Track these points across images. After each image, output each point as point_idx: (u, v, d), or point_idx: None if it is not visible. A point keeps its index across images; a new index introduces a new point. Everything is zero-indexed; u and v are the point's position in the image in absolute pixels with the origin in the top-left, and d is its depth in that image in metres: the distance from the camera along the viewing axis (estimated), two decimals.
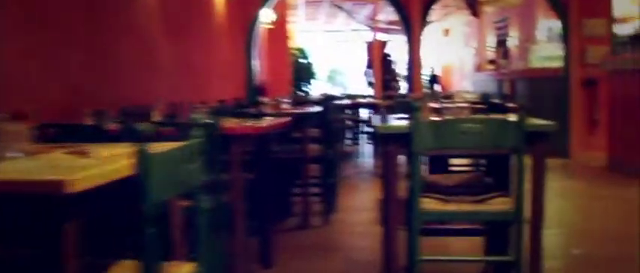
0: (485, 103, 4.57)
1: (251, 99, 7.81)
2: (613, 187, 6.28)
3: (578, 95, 8.42)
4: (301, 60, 17.71)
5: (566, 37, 8.55)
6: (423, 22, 8.96)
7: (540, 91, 9.19)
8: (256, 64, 8.71)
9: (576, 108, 8.43)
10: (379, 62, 11.54)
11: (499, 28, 15.00)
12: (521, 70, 9.69)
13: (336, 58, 22.13)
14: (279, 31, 11.51)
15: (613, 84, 7.43)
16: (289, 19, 12.77)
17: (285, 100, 5.83)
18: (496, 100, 4.90)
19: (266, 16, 10.27)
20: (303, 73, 17.55)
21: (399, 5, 8.91)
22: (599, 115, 8.29)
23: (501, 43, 14.95)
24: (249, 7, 8.49)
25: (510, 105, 4.95)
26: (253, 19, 8.50)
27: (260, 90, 8.58)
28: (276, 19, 10.95)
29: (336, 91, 20.13)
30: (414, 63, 9.03)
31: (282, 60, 11.84)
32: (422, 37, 9.23)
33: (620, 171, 7.00)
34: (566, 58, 8.53)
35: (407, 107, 6.04)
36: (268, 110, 4.86)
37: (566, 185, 6.34)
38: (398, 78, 12.34)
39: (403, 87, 10.88)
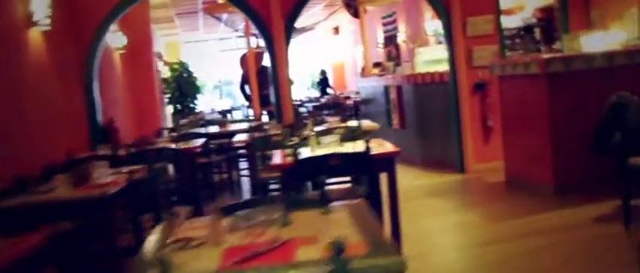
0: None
1: (93, 149, 6.54)
2: (515, 218, 5.33)
3: (469, 101, 7.61)
4: (184, 75, 16.41)
5: (449, 37, 7.71)
6: (289, 31, 7.72)
7: (428, 98, 8.34)
8: (100, 102, 7.23)
9: (468, 115, 7.61)
10: (255, 75, 10.39)
11: (387, 24, 14.23)
12: (407, 75, 8.81)
13: (224, 68, 20.90)
14: (139, 54, 10.08)
15: (503, 88, 6.64)
16: (155, 34, 11.40)
17: (126, 151, 4.57)
18: (362, 146, 3.88)
19: (115, 40, 8.89)
20: (188, 89, 16.23)
21: (254, 15, 7.67)
22: (493, 122, 7.55)
23: (390, 40, 14.17)
24: (81, 37, 6.99)
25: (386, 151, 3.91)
26: (91, 50, 7.04)
27: (107, 133, 7.16)
28: (131, 42, 9.57)
29: (224, 104, 18.99)
30: (279, 80, 7.82)
31: (148, 87, 10.36)
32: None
33: (520, 187, 6.26)
34: (452, 60, 7.69)
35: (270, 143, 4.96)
36: (59, 187, 3.56)
37: (461, 221, 5.43)
38: None
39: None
